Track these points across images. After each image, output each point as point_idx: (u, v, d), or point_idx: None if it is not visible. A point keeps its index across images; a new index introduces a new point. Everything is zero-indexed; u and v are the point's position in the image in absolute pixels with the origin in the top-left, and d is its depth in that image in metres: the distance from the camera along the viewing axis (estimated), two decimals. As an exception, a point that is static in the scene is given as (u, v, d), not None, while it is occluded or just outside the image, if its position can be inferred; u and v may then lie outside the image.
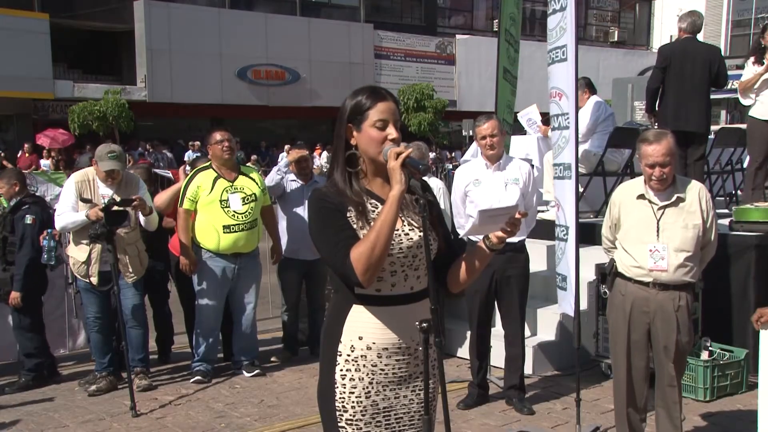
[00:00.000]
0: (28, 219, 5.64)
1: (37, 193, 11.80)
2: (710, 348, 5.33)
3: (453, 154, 27.53)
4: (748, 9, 35.40)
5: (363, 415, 2.36)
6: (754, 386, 4.89)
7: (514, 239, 4.79)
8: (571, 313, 4.90)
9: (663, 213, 3.88)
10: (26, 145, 19.97)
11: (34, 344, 5.82)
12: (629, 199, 4.00)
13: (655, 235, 3.87)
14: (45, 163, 19.60)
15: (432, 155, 21.20)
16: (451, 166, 22.80)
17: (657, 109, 6.92)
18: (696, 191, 3.91)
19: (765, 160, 6.95)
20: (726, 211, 7.17)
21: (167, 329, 6.48)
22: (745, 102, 6.89)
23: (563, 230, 4.80)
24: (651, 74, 7.11)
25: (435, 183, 6.01)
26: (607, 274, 4.15)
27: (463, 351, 6.00)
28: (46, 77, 22.74)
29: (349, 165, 2.39)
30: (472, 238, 4.66)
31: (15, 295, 5.61)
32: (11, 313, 5.72)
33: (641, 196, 3.94)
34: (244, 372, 5.96)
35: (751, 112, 6.94)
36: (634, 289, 3.97)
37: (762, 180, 7.02)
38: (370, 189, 2.41)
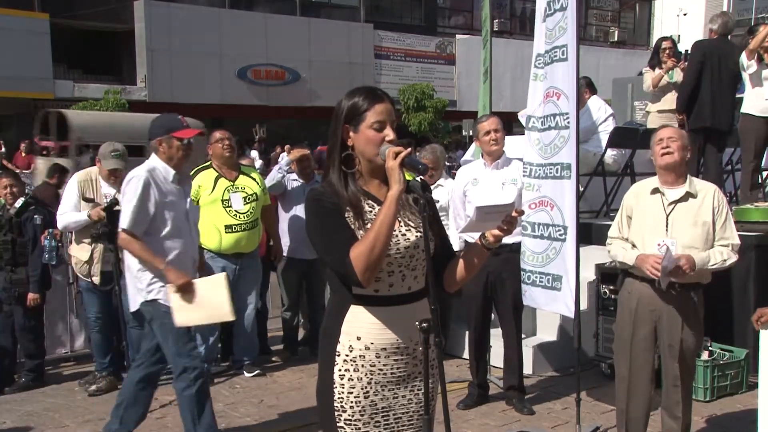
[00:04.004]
0: (38, 220, 5.65)
1: (37, 193, 11.77)
2: (710, 348, 5.33)
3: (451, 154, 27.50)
4: (748, 9, 35.36)
5: (362, 415, 2.36)
6: (754, 386, 4.89)
7: (510, 240, 4.80)
8: (565, 314, 4.89)
9: (673, 209, 3.88)
10: (23, 145, 19.91)
11: (36, 345, 5.84)
12: (644, 195, 4.01)
13: (665, 230, 3.87)
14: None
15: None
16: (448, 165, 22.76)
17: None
18: (709, 191, 3.90)
19: (758, 158, 6.95)
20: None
21: None
22: (747, 69, 6.79)
23: (559, 230, 4.78)
24: (687, 70, 7.09)
25: (451, 185, 5.95)
26: (618, 272, 4.15)
27: (463, 351, 6.00)
28: (46, 77, 22.72)
29: (346, 166, 2.39)
30: (468, 238, 4.68)
31: (34, 296, 5.63)
32: (15, 315, 5.71)
33: (655, 190, 3.95)
34: (245, 372, 5.96)
35: (744, 108, 6.93)
36: (641, 286, 3.97)
37: (759, 179, 7.02)
38: (367, 190, 2.41)
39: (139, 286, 4.10)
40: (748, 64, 6.71)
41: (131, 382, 4.37)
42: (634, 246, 3.97)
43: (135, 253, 4.07)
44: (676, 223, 3.86)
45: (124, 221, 4.06)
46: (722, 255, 3.83)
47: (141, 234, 4.06)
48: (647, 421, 4.15)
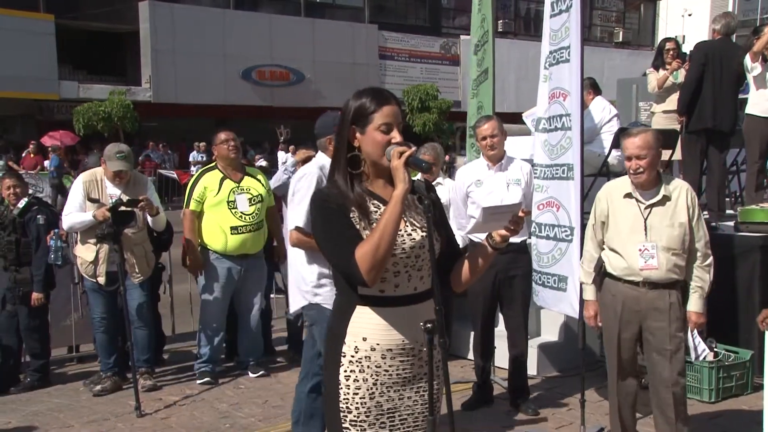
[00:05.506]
0: (41, 219, 5.67)
1: (42, 194, 11.86)
2: (715, 349, 5.32)
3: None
4: (753, 9, 35.29)
5: (367, 416, 2.36)
6: (759, 387, 4.88)
7: (516, 239, 4.79)
8: (570, 314, 4.90)
9: (650, 212, 3.91)
10: (31, 146, 19.98)
11: (41, 345, 5.86)
12: (616, 198, 4.03)
13: (644, 234, 3.89)
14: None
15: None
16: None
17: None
18: (681, 190, 3.94)
19: (762, 158, 6.92)
20: (731, 211, 7.16)
21: (157, 333, 6.34)
22: (752, 71, 6.75)
23: (565, 231, 4.78)
24: (689, 71, 7.10)
25: (450, 184, 5.97)
26: (596, 274, 4.16)
27: (468, 351, 6.00)
28: (51, 78, 22.80)
29: (351, 167, 2.39)
30: (474, 237, 4.68)
31: (38, 296, 5.66)
32: (20, 314, 5.73)
33: (628, 195, 3.97)
34: (249, 372, 5.97)
35: (748, 110, 6.91)
36: (625, 289, 3.99)
37: (764, 180, 7.00)
38: (372, 190, 2.41)
39: (304, 288, 3.98)
40: (752, 66, 6.69)
41: (302, 395, 4.15)
42: (613, 250, 4.01)
43: (313, 248, 3.86)
44: (655, 227, 3.89)
45: (298, 219, 3.90)
46: (703, 280, 3.98)
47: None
48: (635, 421, 4.23)
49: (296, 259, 4.04)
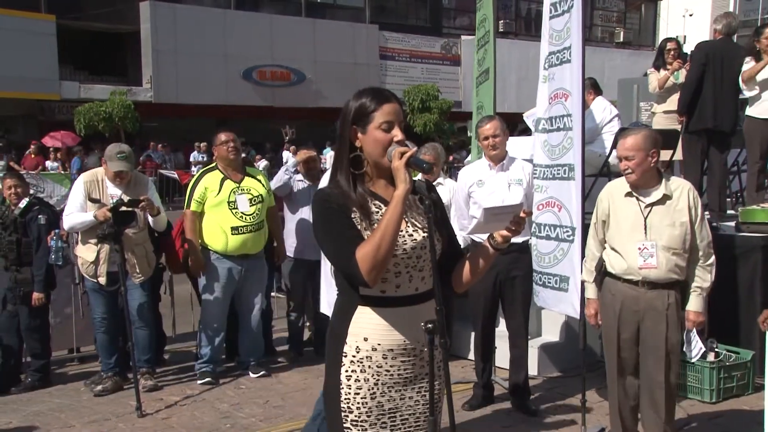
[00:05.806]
0: (42, 219, 5.67)
1: (44, 194, 11.86)
2: (716, 349, 5.31)
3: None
4: (754, 9, 35.26)
5: (368, 416, 2.36)
6: (760, 388, 4.88)
7: (518, 239, 4.80)
8: (571, 314, 4.89)
9: (650, 211, 3.91)
10: (32, 146, 19.98)
11: (42, 345, 5.86)
12: (618, 197, 4.03)
13: (643, 232, 3.89)
14: (53, 165, 19.62)
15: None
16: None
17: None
18: (683, 190, 3.94)
19: (763, 159, 6.93)
20: (732, 212, 7.16)
21: (158, 333, 6.32)
22: (747, 93, 6.81)
23: (567, 231, 4.78)
24: (690, 71, 7.11)
25: (451, 184, 5.97)
26: (597, 273, 4.16)
27: (469, 352, 6.00)
28: (53, 78, 22.80)
29: (354, 167, 2.39)
30: (476, 238, 4.68)
31: (39, 296, 5.65)
32: (20, 314, 5.73)
33: (629, 194, 3.98)
34: (250, 373, 5.97)
35: (749, 111, 6.91)
36: (624, 288, 3.99)
37: (765, 181, 7.01)
38: (374, 191, 2.41)
39: None
40: (744, 88, 6.74)
41: None
42: (613, 249, 4.02)
43: None
44: (655, 225, 3.89)
45: None
46: (705, 279, 3.98)
47: None
48: (638, 420, 4.20)
49: (330, 271, 4.07)
